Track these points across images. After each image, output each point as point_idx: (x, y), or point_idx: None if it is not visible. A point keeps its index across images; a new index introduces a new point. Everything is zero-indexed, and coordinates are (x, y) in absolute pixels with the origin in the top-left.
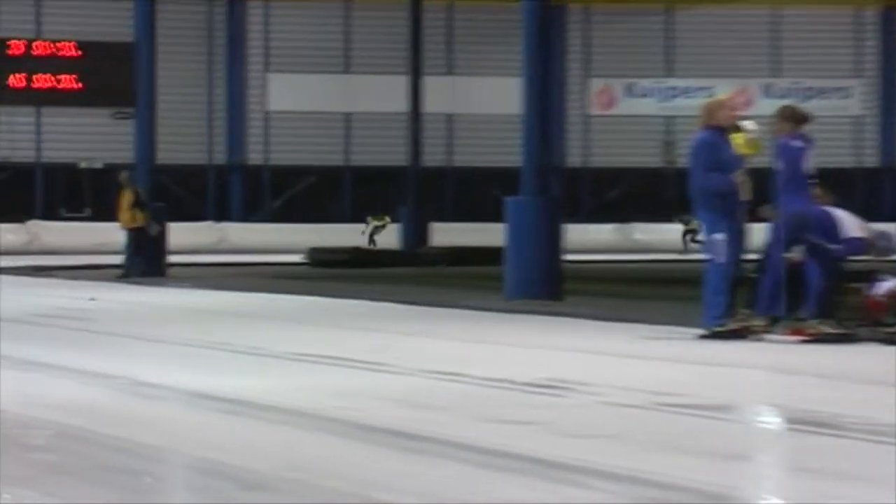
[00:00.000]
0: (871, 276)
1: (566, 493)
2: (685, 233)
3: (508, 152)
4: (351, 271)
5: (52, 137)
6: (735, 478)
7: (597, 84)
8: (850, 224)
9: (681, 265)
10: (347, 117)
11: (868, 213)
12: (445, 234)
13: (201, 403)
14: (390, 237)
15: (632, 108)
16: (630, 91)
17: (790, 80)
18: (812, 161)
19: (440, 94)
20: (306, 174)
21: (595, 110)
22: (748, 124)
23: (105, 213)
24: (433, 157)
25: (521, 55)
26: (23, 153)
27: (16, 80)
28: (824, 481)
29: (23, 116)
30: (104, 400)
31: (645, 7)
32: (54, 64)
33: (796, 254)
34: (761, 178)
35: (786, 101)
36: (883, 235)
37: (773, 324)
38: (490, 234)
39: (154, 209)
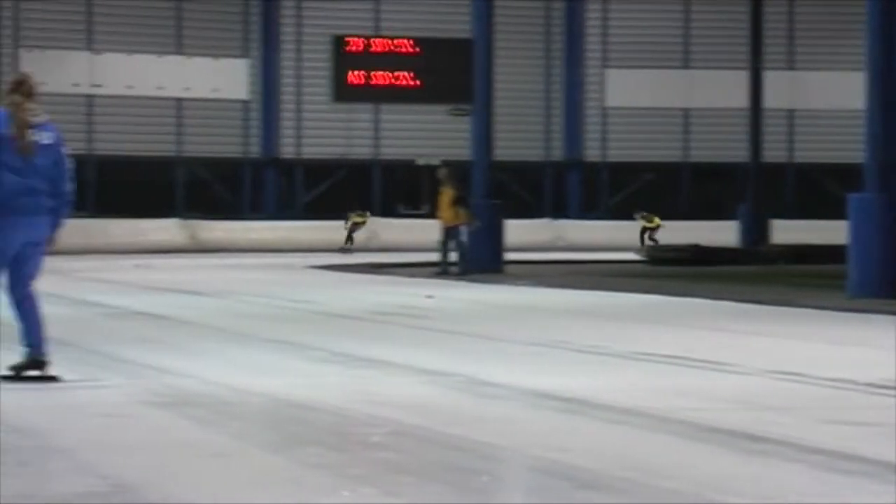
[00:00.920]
0: None
1: None
2: None
3: (850, 148)
4: (689, 269)
5: (389, 135)
6: None
7: None
8: None
9: None
10: (686, 113)
11: None
12: (786, 231)
13: (538, 402)
14: (728, 235)
15: None
16: None
17: None
18: None
19: (780, 89)
20: (644, 171)
21: None
22: None
23: None
24: (773, 153)
25: (863, 49)
26: (361, 150)
27: (354, 77)
28: None
29: (361, 114)
30: (441, 398)
31: None
32: (392, 61)
33: None
34: None
35: None
36: None
37: None
38: (833, 232)
39: (487, 206)
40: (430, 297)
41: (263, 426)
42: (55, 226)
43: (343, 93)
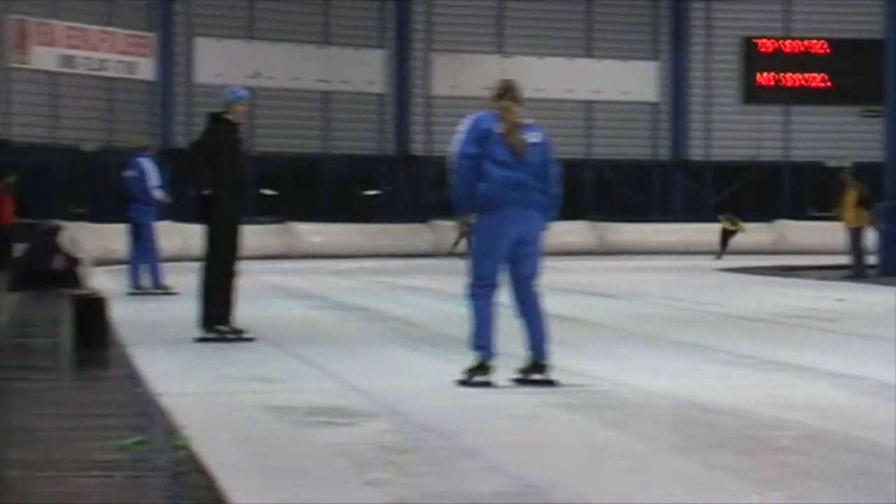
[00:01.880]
0: None
1: None
2: None
3: None
4: None
5: (799, 136)
6: None
7: None
8: None
9: None
10: None
11: None
12: None
13: None
14: None
15: None
16: None
17: None
18: None
19: None
20: None
21: None
22: None
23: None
24: None
25: None
26: (770, 152)
27: (764, 78)
28: None
29: (770, 115)
30: (852, 402)
31: None
32: (803, 62)
33: None
34: None
35: None
36: None
37: None
38: None
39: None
40: (840, 300)
41: (670, 428)
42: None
43: (752, 94)
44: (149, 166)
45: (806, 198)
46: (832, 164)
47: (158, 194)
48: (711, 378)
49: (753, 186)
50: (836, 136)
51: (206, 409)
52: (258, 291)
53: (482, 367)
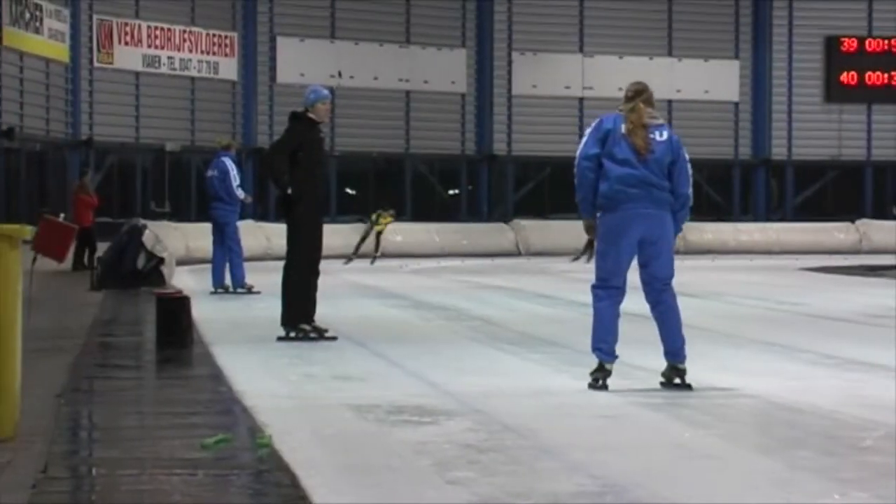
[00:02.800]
0: None
1: None
2: None
3: None
4: None
5: (881, 135)
6: None
7: None
8: None
9: None
10: None
11: None
12: None
13: None
14: None
15: None
16: None
17: None
18: None
19: None
20: None
21: None
22: None
23: None
24: None
25: None
26: (852, 151)
27: (847, 77)
28: None
29: (853, 114)
30: None
31: None
32: (886, 61)
33: None
34: None
35: None
36: None
37: None
38: None
39: None
40: None
41: (753, 428)
42: (676, 227)
43: (835, 93)
44: (231, 166)
45: (888, 197)
46: None
47: (241, 194)
48: (794, 378)
49: (835, 186)
50: None
51: (289, 408)
52: (340, 290)
53: (600, 369)
